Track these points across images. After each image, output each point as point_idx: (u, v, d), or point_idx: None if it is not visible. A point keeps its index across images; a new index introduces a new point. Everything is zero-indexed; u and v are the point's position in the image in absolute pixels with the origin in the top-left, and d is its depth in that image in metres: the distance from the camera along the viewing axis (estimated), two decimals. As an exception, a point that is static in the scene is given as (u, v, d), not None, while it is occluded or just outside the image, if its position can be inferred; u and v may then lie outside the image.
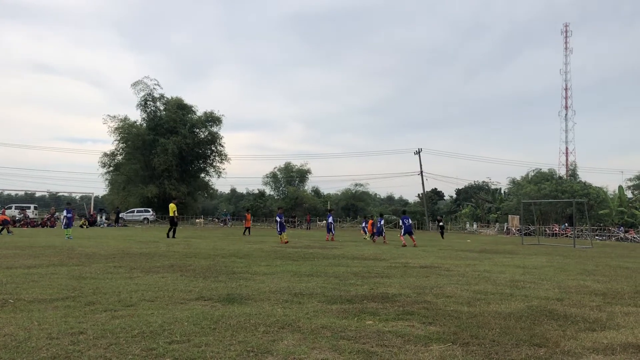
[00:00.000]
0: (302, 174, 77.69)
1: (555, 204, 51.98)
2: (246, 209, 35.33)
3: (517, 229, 49.05)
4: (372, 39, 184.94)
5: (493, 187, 75.28)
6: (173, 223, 24.09)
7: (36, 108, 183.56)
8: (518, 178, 66.10)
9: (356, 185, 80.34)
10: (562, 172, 74.67)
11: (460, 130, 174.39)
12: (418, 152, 67.18)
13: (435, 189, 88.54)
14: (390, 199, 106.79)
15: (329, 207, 34.75)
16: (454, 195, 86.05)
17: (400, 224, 23.44)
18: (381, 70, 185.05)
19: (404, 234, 22.43)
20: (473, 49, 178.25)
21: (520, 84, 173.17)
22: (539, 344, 4.88)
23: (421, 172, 66.72)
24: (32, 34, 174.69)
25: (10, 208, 55.99)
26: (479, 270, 11.85)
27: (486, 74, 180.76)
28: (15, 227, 36.48)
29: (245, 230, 32.09)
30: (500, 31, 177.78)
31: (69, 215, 24.61)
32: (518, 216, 50.84)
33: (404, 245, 21.26)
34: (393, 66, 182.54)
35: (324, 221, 56.62)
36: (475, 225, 61.16)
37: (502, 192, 71.91)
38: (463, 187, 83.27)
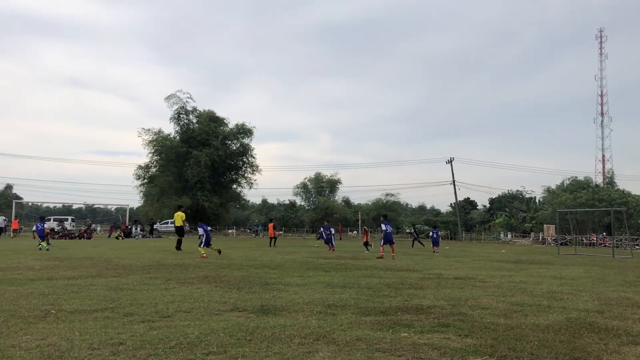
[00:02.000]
0: (333, 184, 77.71)
1: (592, 213, 50.73)
2: (269, 219, 35.46)
3: (552, 238, 47.98)
4: (399, 47, 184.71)
5: (527, 196, 73.87)
6: (181, 234, 22.92)
7: (73, 123, 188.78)
8: (553, 187, 64.83)
9: (387, 195, 79.97)
10: (598, 180, 72.85)
11: (492, 139, 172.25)
12: (450, 161, 66.55)
13: (468, 198, 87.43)
14: (422, 208, 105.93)
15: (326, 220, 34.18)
16: (487, 205, 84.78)
17: (383, 231, 20.31)
18: (409, 79, 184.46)
19: (384, 244, 19.85)
20: (502, 56, 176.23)
21: (552, 91, 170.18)
22: (579, 358, 4.78)
23: (453, 181, 66.04)
24: (68, 51, 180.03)
25: (49, 220, 57.51)
26: (515, 281, 11.64)
27: (517, 80, 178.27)
28: (54, 238, 37.46)
29: (270, 241, 31.85)
30: (530, 37, 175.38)
31: (40, 227, 23.94)
32: (554, 225, 49.75)
33: (381, 257, 19.07)
34: (421, 74, 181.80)
35: (352, 231, 56.40)
36: (509, 235, 60.03)
37: (537, 201, 70.54)
38: (496, 196, 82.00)
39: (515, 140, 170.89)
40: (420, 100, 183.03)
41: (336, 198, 78.49)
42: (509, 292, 9.46)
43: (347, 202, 79.50)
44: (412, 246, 33.48)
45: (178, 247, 21.95)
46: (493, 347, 5.10)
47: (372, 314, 6.85)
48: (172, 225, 55.29)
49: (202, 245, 18.02)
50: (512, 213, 69.38)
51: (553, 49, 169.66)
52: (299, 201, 79.86)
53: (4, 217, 42.00)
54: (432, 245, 26.88)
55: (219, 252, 18.65)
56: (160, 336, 5.21)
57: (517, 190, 77.63)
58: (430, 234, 28.71)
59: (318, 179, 77.42)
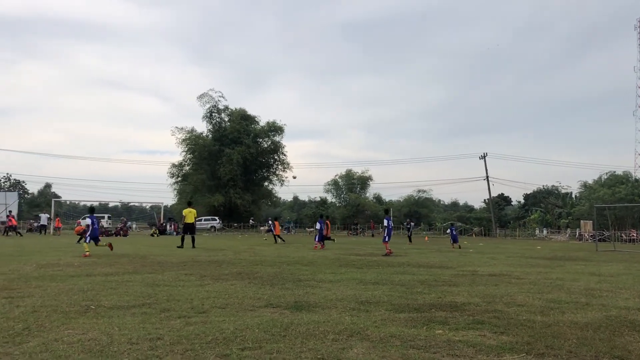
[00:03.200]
0: (363, 181, 77.59)
1: (631, 209, 49.38)
2: (274, 217, 36.10)
3: (590, 234, 46.90)
4: (430, 42, 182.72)
5: (563, 191, 72.45)
6: (192, 230, 22.51)
7: (109, 123, 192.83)
8: (590, 182, 63.34)
9: (419, 191, 79.43)
10: (638, 174, 70.76)
11: (527, 133, 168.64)
12: (483, 157, 65.70)
13: (502, 194, 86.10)
14: (454, 205, 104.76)
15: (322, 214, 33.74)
16: (522, 201, 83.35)
17: (385, 227, 19.59)
18: (441, 74, 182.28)
19: (388, 240, 19.22)
20: (535, 49, 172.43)
21: (588, 84, 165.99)
22: (620, 357, 4.67)
23: (487, 177, 65.17)
24: (104, 53, 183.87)
25: (85, 218, 58.90)
26: (551, 278, 11.43)
27: (552, 74, 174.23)
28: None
29: (275, 238, 31.86)
30: (564, 30, 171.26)
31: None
32: (591, 221, 48.63)
33: (390, 253, 18.47)
34: (453, 69, 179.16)
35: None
36: (545, 231, 58.94)
37: (573, 196, 69.06)
38: (531, 191, 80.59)
39: (550, 135, 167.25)
40: (452, 95, 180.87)
41: (367, 195, 78.35)
42: (545, 289, 9.29)
43: (378, 198, 79.21)
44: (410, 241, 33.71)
45: (192, 245, 21.64)
46: (530, 344, 5.02)
47: (406, 310, 6.82)
48: (205, 222, 56.59)
49: (87, 241, 16.55)
50: (547, 209, 68.09)
51: (587, 41, 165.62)
52: (329, 198, 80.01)
53: (48, 215, 43.15)
54: (451, 242, 27.30)
55: (110, 247, 17.20)
56: (197, 331, 5.30)
57: (553, 186, 76.23)
58: (448, 231, 29.89)
59: (349, 176, 77.37)
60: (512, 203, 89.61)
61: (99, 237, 17.18)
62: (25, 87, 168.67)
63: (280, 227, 33.55)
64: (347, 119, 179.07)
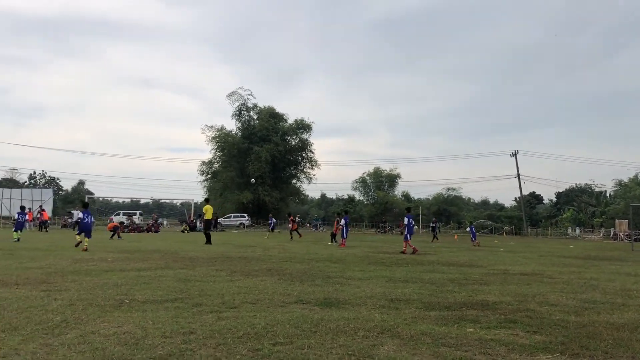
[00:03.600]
0: (392, 179, 77.22)
1: (669, 208, 47.94)
2: (288, 214, 36.83)
3: (625, 234, 45.78)
4: (461, 39, 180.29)
5: (597, 189, 70.87)
6: (210, 227, 22.74)
7: (141, 121, 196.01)
8: (625, 180, 61.81)
9: (448, 189, 78.66)
10: (676, 172, 68.68)
11: (559, 131, 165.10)
12: (514, 154, 64.72)
13: (534, 192, 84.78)
14: (485, 203, 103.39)
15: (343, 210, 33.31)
16: (554, 199, 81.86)
17: (406, 225, 19.60)
18: (471, 71, 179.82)
19: (410, 238, 19.20)
20: (569, 45, 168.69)
21: (623, 79, 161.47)
22: (658, 358, 4.56)
23: (518, 175, 64.20)
24: (137, 51, 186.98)
25: (118, 214, 60.20)
26: (585, 277, 11.21)
27: (585, 70, 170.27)
28: (123, 232, 39.19)
29: (291, 234, 32.01)
30: (600, 25, 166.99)
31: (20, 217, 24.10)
32: (626, 220, 47.49)
33: (415, 251, 18.37)
34: (484, 66, 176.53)
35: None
36: (577, 231, 57.80)
37: (608, 195, 67.52)
38: (564, 190, 79.07)
39: (583, 132, 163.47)
40: (483, 92, 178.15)
41: (395, 193, 77.95)
42: (579, 289, 9.12)
43: (407, 196, 78.73)
44: (432, 241, 33.28)
45: (210, 241, 21.80)
46: (564, 344, 4.95)
47: (436, 308, 6.78)
48: (235, 219, 57.11)
49: (79, 233, 17.55)
50: (580, 207, 66.73)
51: (624, 36, 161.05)
52: (357, 196, 79.88)
53: (80, 212, 44.14)
54: (472, 240, 29.38)
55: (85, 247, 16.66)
56: (229, 326, 5.37)
57: (586, 184, 74.70)
58: (468, 229, 33.08)
59: (377, 174, 77.11)
60: (543, 201, 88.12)
61: (90, 232, 17.63)
62: (59, 86, 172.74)
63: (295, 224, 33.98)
64: (376, 116, 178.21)
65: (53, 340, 4.70)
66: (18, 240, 21.68)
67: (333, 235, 26.27)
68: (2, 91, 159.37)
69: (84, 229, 17.42)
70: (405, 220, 19.74)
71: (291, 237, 30.54)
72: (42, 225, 37.98)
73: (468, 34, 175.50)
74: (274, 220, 39.83)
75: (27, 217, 28.98)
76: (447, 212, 74.31)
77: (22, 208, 25.57)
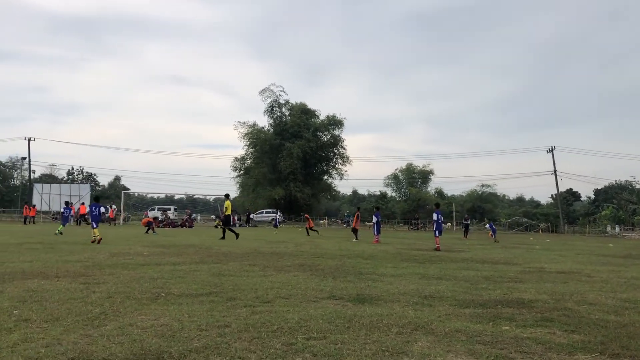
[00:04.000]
0: (425, 175, 76.46)
1: None
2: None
3: (667, 232, 44.36)
4: (497, 32, 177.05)
5: (638, 186, 68.80)
6: (228, 222, 22.82)
7: (175, 117, 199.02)
8: (668, 176, 59.79)
9: (482, 186, 77.51)
10: None
11: (599, 126, 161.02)
12: (551, 150, 63.36)
13: (571, 189, 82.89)
14: (520, 200, 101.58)
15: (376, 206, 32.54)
16: (592, 196, 79.89)
17: (434, 221, 19.65)
18: (506, 66, 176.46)
19: (439, 234, 19.25)
20: (611, 38, 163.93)
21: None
22: None
23: (555, 171, 62.84)
24: (170, 49, 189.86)
25: (153, 210, 61.29)
26: (625, 277, 10.92)
27: (626, 63, 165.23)
28: (158, 227, 39.93)
29: (307, 231, 31.88)
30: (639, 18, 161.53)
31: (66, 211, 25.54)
32: (668, 219, 45.97)
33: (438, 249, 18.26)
34: (520, 60, 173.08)
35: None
36: (617, 229, 56.25)
37: (649, 192, 65.48)
38: (602, 187, 77.06)
39: (624, 128, 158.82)
40: (519, 87, 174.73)
41: (428, 189, 77.20)
42: (618, 288, 8.89)
43: (440, 193, 77.87)
44: (465, 237, 33.14)
45: (236, 235, 21.81)
46: (603, 344, 4.83)
47: (471, 306, 6.71)
48: (267, 215, 57.50)
49: (94, 226, 18.09)
50: (620, 205, 64.92)
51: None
52: (389, 192, 79.37)
53: (115, 207, 45.08)
54: (491, 235, 30.69)
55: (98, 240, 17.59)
56: (263, 320, 5.42)
57: (626, 181, 72.64)
58: (487, 226, 33.78)
59: (409, 170, 76.46)
60: (581, 199, 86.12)
61: (97, 224, 18.41)
62: (96, 84, 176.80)
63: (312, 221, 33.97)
64: (409, 112, 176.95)
65: (93, 332, 4.83)
66: (60, 233, 22.34)
67: (354, 231, 26.22)
68: (40, 90, 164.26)
69: (94, 219, 18.37)
70: (434, 216, 19.68)
71: (308, 234, 30.49)
72: (81, 219, 39.06)
73: (504, 27, 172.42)
74: (278, 216, 40.18)
75: (71, 211, 30.25)
76: (481, 209, 73.25)
77: (67, 203, 26.58)
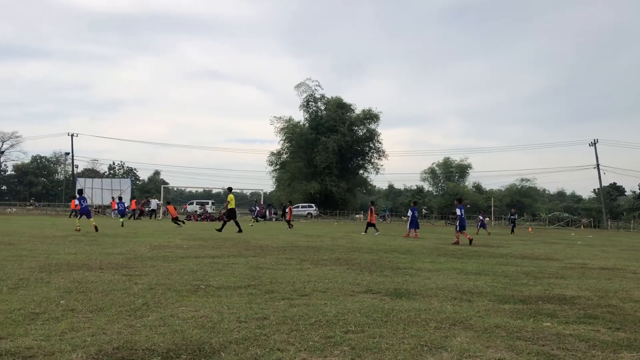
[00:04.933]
0: (462, 169, 75.55)
1: None
2: (289, 202, 36.39)
3: None
4: (537, 23, 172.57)
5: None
6: (234, 215, 22.90)
7: (212, 113, 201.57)
8: None
9: (522, 180, 76.03)
10: None
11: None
12: (593, 144, 61.60)
13: (614, 183, 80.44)
14: (561, 194, 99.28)
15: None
16: (638, 191, 77.32)
17: (458, 216, 19.56)
18: (548, 57, 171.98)
19: (460, 229, 19.21)
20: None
21: None
22: None
23: (597, 165, 61.08)
24: (205, 45, 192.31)
25: (192, 204, 62.30)
26: (673, 274, 10.55)
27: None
28: (196, 220, 40.64)
29: (288, 224, 31.51)
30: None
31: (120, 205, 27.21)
32: None
33: (457, 243, 18.40)
34: (561, 51, 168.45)
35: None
36: (664, 224, 54.35)
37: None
38: (648, 181, 74.43)
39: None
40: (560, 79, 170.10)
41: (466, 183, 76.20)
42: (666, 286, 8.59)
43: (478, 187, 76.79)
44: (512, 232, 32.22)
45: (240, 229, 21.94)
46: (650, 342, 4.69)
47: (511, 302, 6.60)
48: (302, 209, 57.75)
49: (78, 217, 20.48)
50: (667, 200, 62.65)
51: None
52: (426, 187, 78.69)
53: (157, 201, 45.95)
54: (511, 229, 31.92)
55: (96, 229, 19.35)
56: (301, 313, 5.46)
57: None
58: (509, 219, 34.65)
59: (447, 164, 75.66)
60: (625, 193, 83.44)
61: (90, 215, 20.75)
62: (136, 80, 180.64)
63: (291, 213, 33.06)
64: (446, 105, 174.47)
65: (136, 322, 4.96)
66: (122, 225, 24.61)
67: (371, 225, 25.98)
68: (82, 86, 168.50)
69: (84, 211, 20.24)
70: (458, 211, 19.70)
71: (290, 226, 30.30)
72: (133, 214, 40.24)
73: (544, 18, 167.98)
74: (257, 208, 40.44)
75: (125, 205, 31.95)
76: (520, 203, 71.89)
77: (120, 198, 28.31)
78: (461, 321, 5.34)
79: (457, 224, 19.41)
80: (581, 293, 7.47)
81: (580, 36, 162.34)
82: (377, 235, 23.35)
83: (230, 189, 24.35)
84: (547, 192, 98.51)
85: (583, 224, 57.83)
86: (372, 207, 26.93)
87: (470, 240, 18.46)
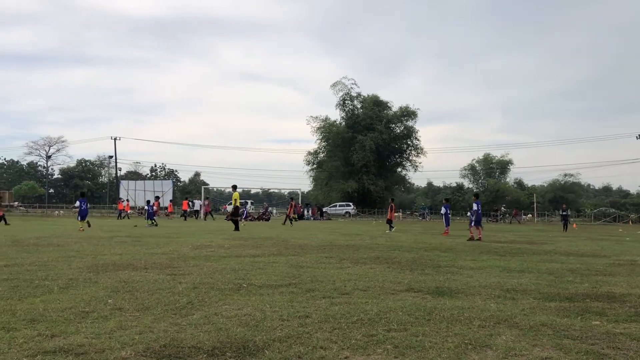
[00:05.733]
0: (503, 165, 74.15)
1: None
2: (290, 198, 36.50)
3: None
4: (578, 15, 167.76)
5: None
6: (238, 214, 22.99)
7: (250, 114, 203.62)
8: None
9: (565, 175, 74.07)
10: None
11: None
12: (640, 136, 59.45)
13: (663, 177, 77.29)
14: (606, 189, 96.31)
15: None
16: (689, 184, 74.26)
17: (474, 211, 19.59)
18: (590, 48, 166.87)
19: (475, 224, 19.25)
20: None
21: None
22: None
23: (644, 158, 58.93)
24: (243, 47, 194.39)
25: (231, 204, 62.83)
26: None
27: None
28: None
29: (285, 220, 31.43)
30: None
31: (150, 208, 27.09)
32: None
33: (472, 239, 18.27)
34: (603, 42, 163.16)
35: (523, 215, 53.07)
36: None
37: None
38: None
39: None
40: (603, 71, 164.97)
41: (507, 180, 74.75)
42: None
43: (519, 183, 75.21)
44: (565, 230, 30.14)
45: (237, 228, 21.98)
46: None
47: (557, 299, 6.45)
48: (340, 208, 57.76)
49: (79, 219, 21.69)
50: None
51: None
52: (466, 183, 77.53)
53: (200, 202, 46.69)
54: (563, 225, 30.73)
55: (89, 225, 21.84)
56: (342, 312, 5.47)
57: None
58: (561, 216, 32.89)
59: (487, 160, 74.41)
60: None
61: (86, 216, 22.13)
62: (176, 84, 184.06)
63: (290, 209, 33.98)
64: (485, 100, 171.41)
65: (181, 320, 5.06)
66: (155, 225, 26.24)
67: (389, 222, 26.02)
68: (124, 91, 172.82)
69: (82, 214, 21.67)
70: (474, 206, 19.74)
71: (290, 223, 30.34)
72: (187, 214, 41.53)
73: (586, 6, 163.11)
74: (246, 208, 41.08)
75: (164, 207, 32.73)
76: (564, 199, 70.02)
77: (148, 202, 29.19)
78: (505, 319, 5.25)
79: (473, 219, 19.51)
80: (631, 291, 7.24)
81: (622, 26, 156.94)
82: (388, 232, 23.51)
83: (234, 187, 24.58)
84: (591, 187, 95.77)
85: (631, 219, 55.91)
86: (392, 204, 27.20)
87: (472, 238, 18.45)
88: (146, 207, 28.77)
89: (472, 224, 19.46)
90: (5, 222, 26.98)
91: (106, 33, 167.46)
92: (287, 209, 37.44)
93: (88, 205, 23.54)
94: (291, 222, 31.72)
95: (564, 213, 32.81)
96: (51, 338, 4.37)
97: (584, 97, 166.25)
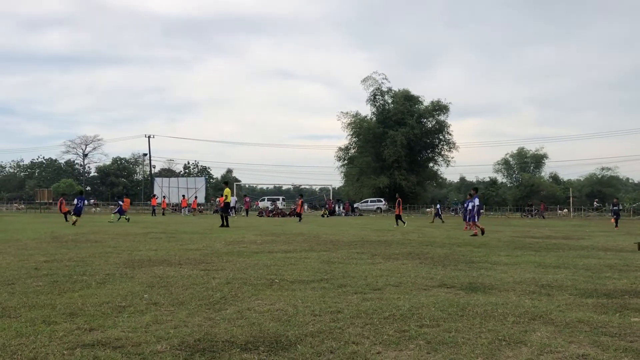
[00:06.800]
0: (538, 160, 72.73)
1: None
2: (300, 194, 36.43)
3: None
4: (614, 3, 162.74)
5: None
6: (229, 210, 23.05)
7: (281, 110, 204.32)
8: None
9: (602, 169, 72.22)
10: None
11: None
12: (682, 128, 57.55)
13: None
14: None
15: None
16: None
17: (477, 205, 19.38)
18: (627, 39, 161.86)
19: (478, 219, 19.12)
20: None
21: None
22: None
23: (687, 150, 57.04)
24: (274, 43, 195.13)
25: (263, 200, 63.56)
26: None
27: None
28: (268, 216, 41.53)
29: (299, 217, 31.37)
30: None
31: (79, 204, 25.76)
32: None
33: (483, 233, 18.06)
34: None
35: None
36: None
37: None
38: None
39: None
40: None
41: (542, 174, 73.31)
42: None
43: (555, 178, 73.68)
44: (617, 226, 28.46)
45: (226, 224, 21.97)
46: None
47: (594, 296, 6.31)
48: (372, 203, 57.58)
49: (72, 214, 23.00)
50: None
51: None
52: (500, 178, 76.33)
53: (236, 198, 47.16)
54: (614, 220, 28.44)
55: (74, 223, 22.43)
56: (374, 307, 5.47)
57: None
58: (612, 210, 30.96)
59: (521, 154, 73.11)
60: None
61: (79, 214, 23.83)
62: (209, 82, 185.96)
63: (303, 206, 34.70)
64: (520, 93, 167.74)
65: (215, 315, 5.14)
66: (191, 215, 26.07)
67: (398, 217, 25.97)
68: (158, 90, 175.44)
69: (77, 211, 23.05)
70: (476, 201, 19.56)
71: (299, 219, 30.25)
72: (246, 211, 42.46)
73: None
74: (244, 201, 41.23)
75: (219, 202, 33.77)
76: (601, 193, 68.32)
77: (183, 196, 29.60)
78: (541, 315, 5.16)
79: (475, 214, 19.17)
80: (672, 287, 7.03)
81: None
82: (395, 227, 23.68)
83: (226, 183, 24.70)
84: (630, 181, 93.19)
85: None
86: (400, 200, 27.50)
87: (475, 233, 18.18)
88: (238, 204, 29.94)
89: (475, 220, 19.05)
90: (66, 219, 27.68)
91: (140, 34, 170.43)
92: (325, 205, 37.55)
93: (85, 203, 24.66)
94: (299, 218, 31.62)
95: (615, 208, 30.50)
96: (89, 331, 4.49)
97: (623, 88, 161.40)
